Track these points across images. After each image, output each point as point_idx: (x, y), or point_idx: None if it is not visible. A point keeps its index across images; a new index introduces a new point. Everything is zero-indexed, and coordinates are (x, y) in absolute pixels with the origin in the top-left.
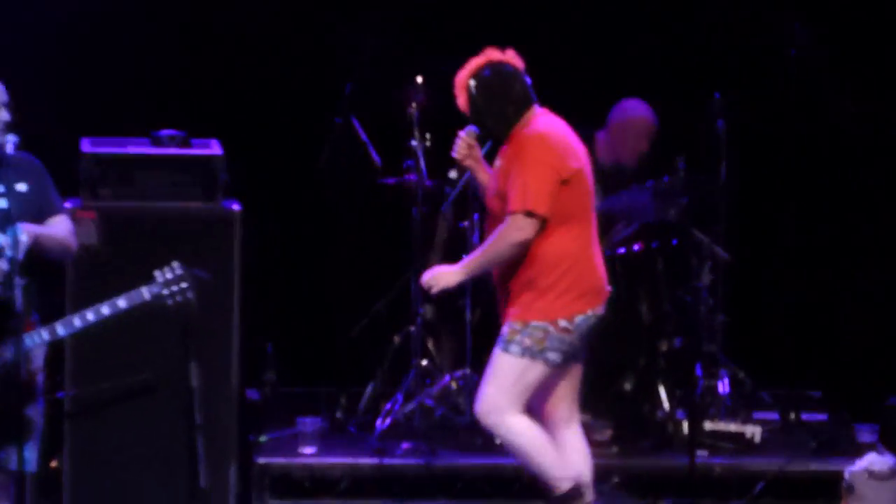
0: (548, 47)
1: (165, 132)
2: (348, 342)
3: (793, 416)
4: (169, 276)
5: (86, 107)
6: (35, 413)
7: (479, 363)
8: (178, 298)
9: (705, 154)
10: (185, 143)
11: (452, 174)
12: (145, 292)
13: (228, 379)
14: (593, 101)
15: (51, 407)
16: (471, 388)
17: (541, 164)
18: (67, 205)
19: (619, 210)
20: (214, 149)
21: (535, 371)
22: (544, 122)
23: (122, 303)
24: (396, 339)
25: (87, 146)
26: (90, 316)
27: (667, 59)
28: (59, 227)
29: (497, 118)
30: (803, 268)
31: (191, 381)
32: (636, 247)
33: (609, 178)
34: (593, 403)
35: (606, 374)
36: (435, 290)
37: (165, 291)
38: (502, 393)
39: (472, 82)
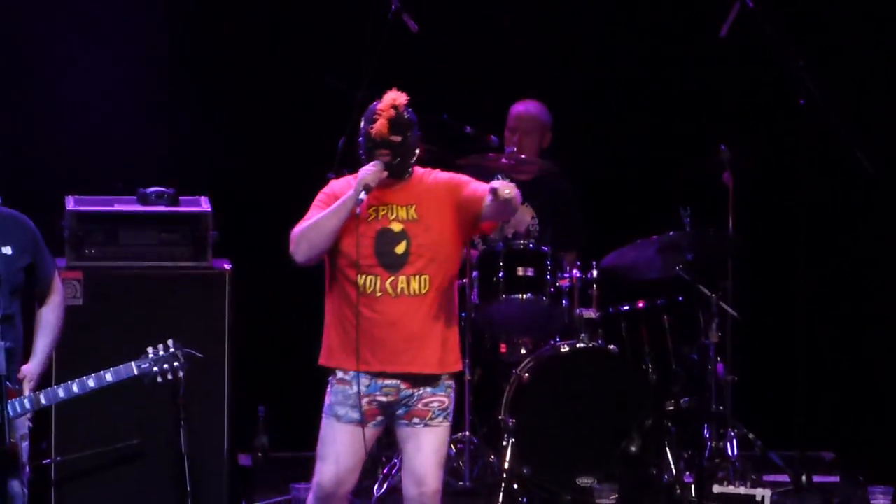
0: (555, 96)
1: (153, 189)
2: None
3: (804, 478)
4: (161, 353)
5: (72, 163)
6: (18, 485)
7: (478, 426)
8: (169, 377)
9: (712, 207)
10: (174, 201)
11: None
12: (134, 367)
13: (220, 444)
14: (601, 150)
15: (37, 474)
16: (471, 451)
17: None
18: None
19: (625, 265)
20: (203, 206)
21: None
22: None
23: (109, 376)
24: None
25: (71, 204)
26: (75, 388)
27: (674, 110)
28: (49, 329)
29: (410, 155)
30: (814, 326)
31: (181, 446)
32: (641, 304)
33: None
34: (598, 466)
35: (612, 436)
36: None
37: (155, 368)
38: None
39: (407, 115)
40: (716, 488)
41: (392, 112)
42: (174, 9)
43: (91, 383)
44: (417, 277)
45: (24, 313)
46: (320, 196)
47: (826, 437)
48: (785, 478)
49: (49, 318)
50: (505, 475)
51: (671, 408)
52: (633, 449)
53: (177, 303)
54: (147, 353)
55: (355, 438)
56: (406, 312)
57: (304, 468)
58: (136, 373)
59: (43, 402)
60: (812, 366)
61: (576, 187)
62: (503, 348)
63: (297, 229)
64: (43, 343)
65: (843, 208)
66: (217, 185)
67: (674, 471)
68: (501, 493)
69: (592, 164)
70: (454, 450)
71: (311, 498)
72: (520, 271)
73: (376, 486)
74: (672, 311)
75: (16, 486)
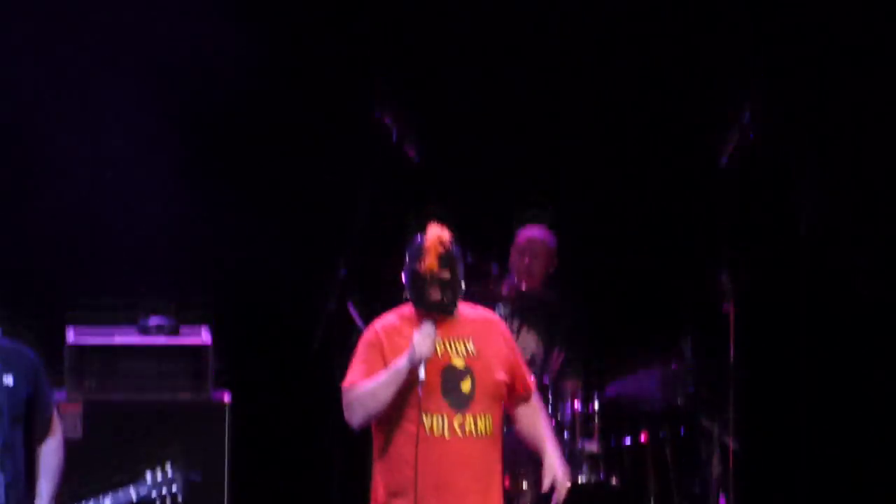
0: (555, 222)
1: (153, 320)
2: None
3: None
4: (159, 477)
5: (72, 291)
6: None
7: None
8: (168, 502)
9: (713, 333)
10: (174, 332)
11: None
12: (132, 493)
13: None
14: (603, 275)
15: None
16: None
17: None
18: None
19: (627, 396)
20: (204, 337)
21: None
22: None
23: (107, 502)
24: None
25: (71, 336)
26: None
27: (675, 236)
28: (53, 473)
29: (459, 290)
30: (818, 457)
31: None
32: (643, 437)
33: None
34: None
35: None
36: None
37: (154, 493)
38: None
39: (454, 248)
40: None
41: (440, 248)
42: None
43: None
44: (483, 417)
45: (25, 444)
46: (365, 347)
47: None
48: None
49: (51, 461)
50: None
51: None
52: None
53: (176, 434)
54: (145, 478)
55: None
56: (472, 454)
57: None
58: (133, 498)
59: None
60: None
61: (579, 314)
62: (506, 482)
63: (353, 395)
64: (47, 487)
65: (847, 330)
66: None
67: None
68: None
69: (594, 292)
70: None
71: None
72: None
73: None
74: (674, 443)
75: None
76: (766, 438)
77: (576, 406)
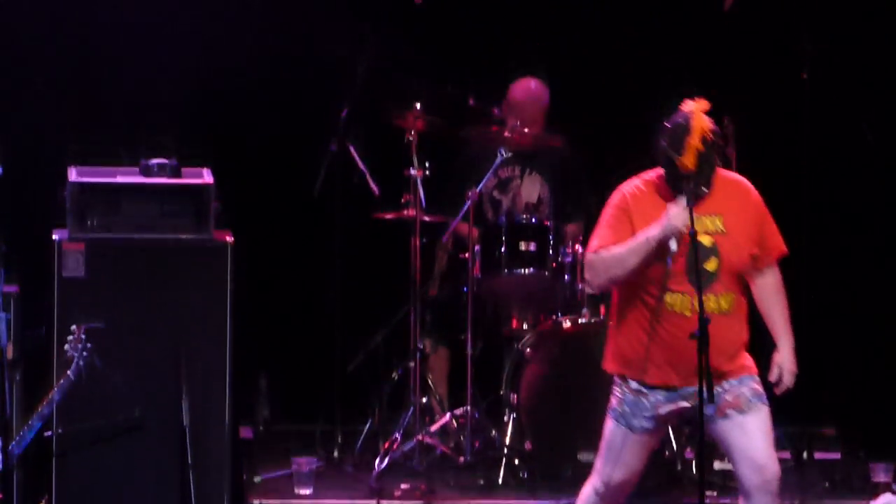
0: (555, 66)
1: (155, 161)
2: (345, 378)
3: (805, 454)
4: (76, 344)
5: (73, 132)
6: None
7: (479, 400)
8: (87, 357)
9: None
10: (176, 173)
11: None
12: (70, 375)
13: (221, 416)
14: (602, 121)
15: (38, 447)
16: (472, 426)
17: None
18: (55, 236)
19: None
20: (205, 178)
21: None
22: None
23: (56, 396)
24: (395, 374)
25: (73, 175)
26: (36, 421)
27: (677, 82)
28: None
29: (712, 179)
30: (817, 301)
31: (182, 418)
32: None
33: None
34: (597, 442)
35: None
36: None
37: (81, 363)
38: None
39: (715, 142)
40: (717, 465)
41: (701, 146)
42: None
43: (45, 411)
44: (726, 295)
45: None
46: (613, 211)
47: (828, 414)
48: (786, 454)
49: None
50: (506, 450)
51: None
52: None
53: (178, 275)
54: (66, 352)
55: (645, 447)
56: (714, 333)
57: (305, 441)
58: (72, 378)
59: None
60: (814, 342)
61: (580, 157)
62: (510, 322)
63: (596, 257)
64: None
65: (847, 181)
66: (218, 157)
67: (675, 446)
68: (503, 468)
69: (593, 134)
70: (455, 424)
71: (590, 494)
72: (522, 246)
73: (377, 459)
74: None
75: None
76: None
77: (577, 248)
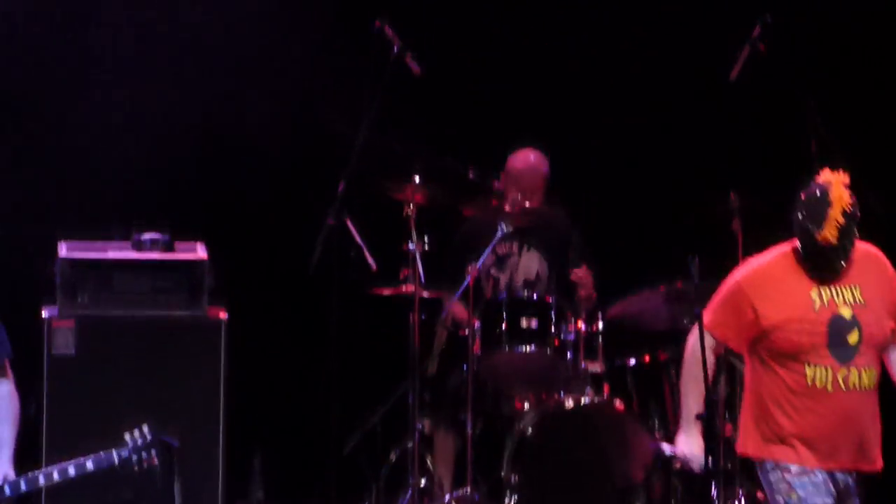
0: (559, 141)
1: (148, 235)
2: (341, 457)
3: None
4: (139, 441)
5: (65, 208)
6: None
7: (480, 482)
8: (145, 465)
9: (721, 255)
10: (169, 247)
11: None
12: (115, 457)
13: (214, 497)
14: (607, 196)
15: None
16: None
17: None
18: (45, 313)
19: (631, 315)
20: (199, 252)
21: None
22: None
23: (89, 464)
24: (393, 455)
25: (63, 250)
26: (56, 475)
27: (683, 155)
28: (11, 420)
29: (851, 251)
30: None
31: (174, 499)
32: (647, 358)
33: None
34: None
35: (617, 494)
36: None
37: (135, 457)
38: None
39: (854, 214)
40: None
41: (841, 219)
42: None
43: (71, 471)
44: (868, 369)
45: None
46: (727, 296)
47: None
48: None
49: (7, 408)
50: None
51: (678, 465)
52: None
53: (171, 352)
54: (126, 442)
55: None
56: (856, 409)
57: None
58: (116, 463)
59: (23, 488)
60: None
61: (582, 233)
62: (511, 401)
63: (696, 344)
64: (7, 432)
65: None
66: (212, 230)
67: None
68: None
69: (598, 210)
70: None
71: None
72: (523, 323)
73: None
74: (679, 364)
75: None
76: None
77: (580, 326)
